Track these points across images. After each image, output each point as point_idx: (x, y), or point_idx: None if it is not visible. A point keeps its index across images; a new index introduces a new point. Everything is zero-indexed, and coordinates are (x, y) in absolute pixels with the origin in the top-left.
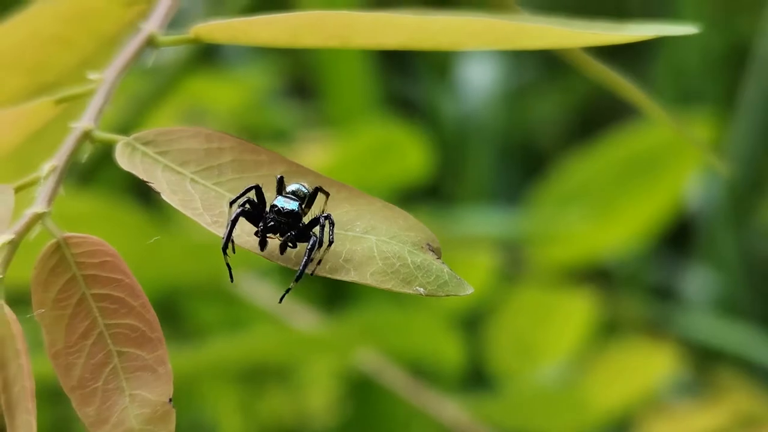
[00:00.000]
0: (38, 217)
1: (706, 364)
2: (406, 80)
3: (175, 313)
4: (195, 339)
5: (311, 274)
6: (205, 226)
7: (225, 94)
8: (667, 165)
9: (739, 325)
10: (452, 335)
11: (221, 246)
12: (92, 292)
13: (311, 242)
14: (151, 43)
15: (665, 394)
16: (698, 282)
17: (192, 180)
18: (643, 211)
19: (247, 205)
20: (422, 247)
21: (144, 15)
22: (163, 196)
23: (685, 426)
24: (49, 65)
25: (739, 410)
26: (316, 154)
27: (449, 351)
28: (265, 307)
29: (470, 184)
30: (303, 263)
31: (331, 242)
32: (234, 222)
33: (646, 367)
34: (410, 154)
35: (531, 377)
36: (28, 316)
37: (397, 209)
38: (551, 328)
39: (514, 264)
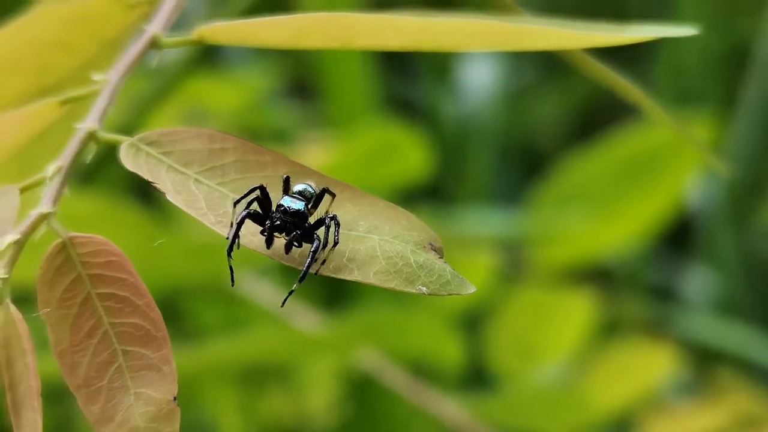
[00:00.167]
0: (44, 217)
1: (706, 364)
2: (407, 81)
3: (175, 313)
4: (196, 339)
5: (315, 274)
6: (209, 225)
7: (226, 94)
8: (667, 165)
9: (738, 325)
10: (453, 335)
11: (226, 248)
12: (97, 291)
13: (314, 245)
14: (154, 44)
15: (665, 394)
16: (698, 282)
17: (196, 180)
18: (644, 211)
19: (252, 207)
20: (425, 247)
21: (146, 17)
22: (168, 197)
23: (684, 426)
24: (51, 68)
25: (738, 410)
26: (316, 155)
27: (450, 351)
28: (265, 306)
29: (470, 185)
30: (306, 264)
31: (336, 243)
32: (240, 224)
33: (646, 367)
34: (411, 155)
35: (531, 377)
36: (34, 315)
37: (400, 209)
38: (551, 328)
39: (514, 264)
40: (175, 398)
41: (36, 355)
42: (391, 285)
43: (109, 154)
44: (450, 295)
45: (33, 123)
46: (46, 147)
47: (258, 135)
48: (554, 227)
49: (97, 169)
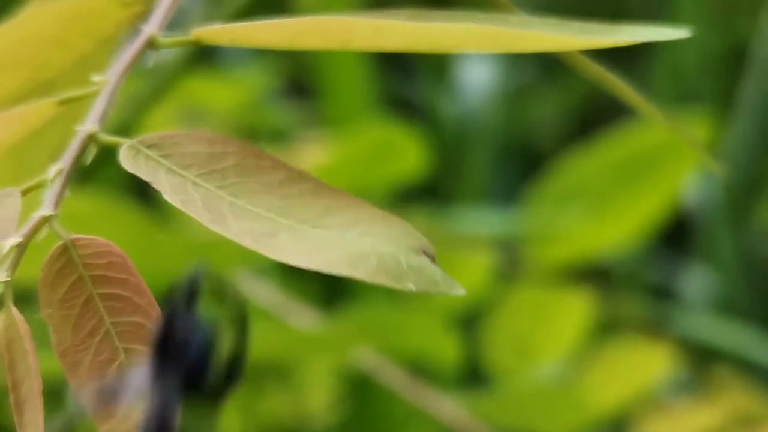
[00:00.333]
0: (45, 220)
1: (703, 363)
2: (405, 80)
3: None
4: None
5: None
6: (206, 224)
7: (223, 94)
8: (665, 164)
9: (736, 324)
10: (450, 334)
11: None
12: (99, 291)
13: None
14: (151, 44)
15: (663, 393)
16: (696, 281)
17: (194, 183)
18: (641, 210)
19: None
20: (417, 251)
21: (142, 15)
22: (165, 196)
23: (682, 425)
24: (46, 65)
25: (736, 409)
26: (314, 154)
27: (447, 349)
28: (262, 305)
29: (468, 184)
30: None
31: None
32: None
33: (644, 365)
34: (409, 154)
35: (529, 376)
36: (36, 316)
37: (396, 218)
38: (549, 327)
39: (511, 263)
40: None
41: (37, 354)
42: (380, 281)
43: (106, 153)
44: (438, 293)
45: (29, 122)
46: (41, 145)
47: (255, 134)
48: (552, 226)
49: (95, 169)
